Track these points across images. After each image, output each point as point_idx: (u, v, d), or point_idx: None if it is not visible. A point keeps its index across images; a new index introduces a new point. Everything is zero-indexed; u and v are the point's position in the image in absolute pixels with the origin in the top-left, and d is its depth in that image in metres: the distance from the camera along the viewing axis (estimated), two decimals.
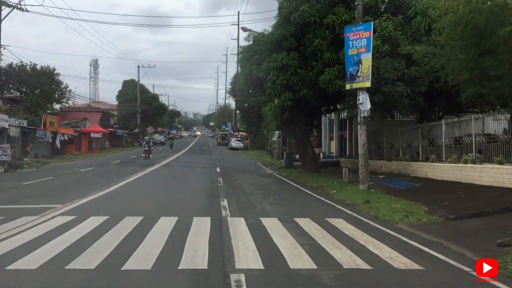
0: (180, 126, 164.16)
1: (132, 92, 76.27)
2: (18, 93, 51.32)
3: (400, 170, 19.01)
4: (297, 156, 30.74)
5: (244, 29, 28.43)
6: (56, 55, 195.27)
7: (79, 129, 47.85)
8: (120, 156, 39.76)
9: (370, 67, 14.96)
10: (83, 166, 27.33)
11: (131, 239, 7.67)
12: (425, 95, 17.49)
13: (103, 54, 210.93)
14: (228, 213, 10.52)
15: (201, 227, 8.76)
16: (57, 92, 56.25)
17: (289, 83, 20.36)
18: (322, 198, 14.07)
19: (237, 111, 76.03)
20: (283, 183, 19.17)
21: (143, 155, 35.44)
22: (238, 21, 72.45)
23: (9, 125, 34.08)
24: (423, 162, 17.61)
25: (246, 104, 57.89)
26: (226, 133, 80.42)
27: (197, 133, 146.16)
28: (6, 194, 14.49)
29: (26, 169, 26.90)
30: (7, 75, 47.55)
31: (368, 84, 15.01)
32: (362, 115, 15.18)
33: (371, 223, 9.78)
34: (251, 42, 22.94)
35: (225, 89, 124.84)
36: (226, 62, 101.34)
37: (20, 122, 36.50)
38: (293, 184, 18.78)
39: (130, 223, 9.08)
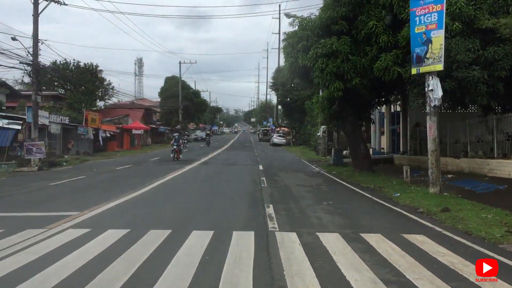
0: (221, 122, 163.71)
1: (173, 88, 75.45)
2: (63, 90, 51.33)
3: (472, 168, 16.24)
4: (345, 152, 28.26)
5: (288, 15, 26.02)
6: (103, 54, 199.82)
7: (121, 125, 47.08)
8: (160, 153, 38.44)
9: (443, 47, 12.36)
10: (121, 164, 25.96)
11: (150, 267, 5.66)
12: (504, 81, 14.67)
13: (147, 54, 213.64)
14: (276, 226, 8.36)
15: (242, 248, 6.63)
16: (100, 90, 56.20)
17: (339, 72, 17.95)
18: (386, 204, 11.65)
19: (279, 106, 73.80)
20: (335, 184, 16.80)
21: (171, 155, 29.33)
22: (280, 13, 70.20)
23: (49, 122, 33.35)
24: (504, 159, 14.79)
25: (288, 99, 55.55)
26: (267, 128, 78.33)
27: (238, 129, 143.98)
28: (27, 197, 12.96)
29: (63, 167, 25.82)
30: (50, 73, 47.51)
31: (440, 67, 12.41)
32: (432, 104, 12.60)
33: (466, 242, 7.32)
34: (296, 27, 20.63)
35: (266, 84, 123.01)
36: (267, 57, 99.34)
37: (61, 119, 35.80)
38: (347, 185, 16.38)
39: (153, 239, 7.10)
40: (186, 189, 14.62)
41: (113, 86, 55.83)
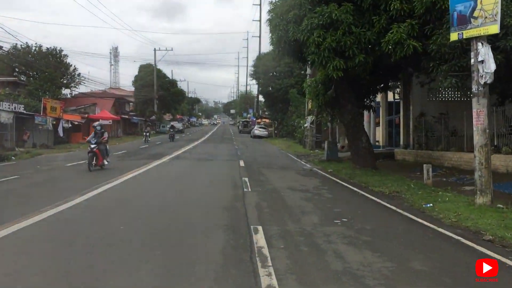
0: (200, 114, 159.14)
1: (148, 77, 70.91)
2: (24, 76, 46.63)
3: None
4: (339, 145, 24.80)
5: None
6: (78, 43, 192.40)
7: (86, 115, 42.63)
8: (129, 146, 34.32)
9: (499, 1, 8.81)
10: (76, 159, 21.90)
11: None
12: None
13: (123, 44, 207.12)
14: (276, 285, 4.66)
15: None
16: (65, 76, 51.55)
17: (339, 47, 14.35)
18: (424, 222, 8.01)
19: (260, 96, 70.08)
20: (337, 187, 13.16)
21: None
22: None
23: None
24: None
25: (270, 88, 51.92)
26: (248, 120, 74.60)
27: (217, 121, 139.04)
28: None
29: (10, 162, 21.69)
30: (7, 56, 42.77)
31: (495, 28, 8.82)
32: (483, 81, 9.03)
33: None
34: None
35: (246, 73, 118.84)
36: (247, 47, 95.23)
37: (15, 107, 31.29)
38: (353, 188, 12.77)
39: None
40: (135, 200, 10.59)
41: (79, 73, 51.47)
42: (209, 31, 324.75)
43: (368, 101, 19.31)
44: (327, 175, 15.94)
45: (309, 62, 16.55)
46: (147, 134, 41.47)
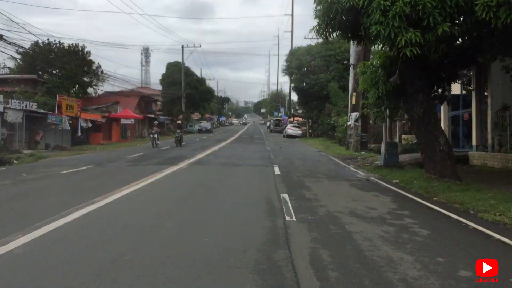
0: (230, 113, 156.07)
1: (176, 75, 67.86)
2: (46, 74, 44.05)
3: None
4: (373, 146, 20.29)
5: None
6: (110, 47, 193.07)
7: (107, 114, 39.47)
8: (148, 148, 30.70)
9: None
10: (84, 163, 18.36)
11: None
12: None
13: (153, 46, 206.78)
14: None
15: None
16: (88, 74, 48.82)
17: (415, 13, 10.13)
18: None
19: (293, 94, 65.81)
20: (424, 213, 8.63)
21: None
22: None
23: (4, 108, 25.87)
24: None
25: (304, 84, 47.54)
26: (279, 119, 70.44)
27: (247, 120, 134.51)
28: None
29: (12, 166, 18.60)
30: (30, 54, 40.16)
31: None
32: None
33: None
34: None
35: (278, 71, 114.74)
36: (278, 44, 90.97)
37: (26, 105, 28.20)
38: (449, 214, 8.29)
39: None
40: (126, 230, 6.78)
41: (102, 70, 48.63)
42: (237, 31, 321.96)
43: (440, 91, 14.78)
44: (396, 189, 11.59)
45: (368, 38, 12.25)
46: (156, 136, 31.25)
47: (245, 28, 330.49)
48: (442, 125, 22.52)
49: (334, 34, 13.01)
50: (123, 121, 38.88)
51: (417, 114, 12.89)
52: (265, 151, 26.55)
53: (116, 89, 53.92)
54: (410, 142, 23.51)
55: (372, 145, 27.09)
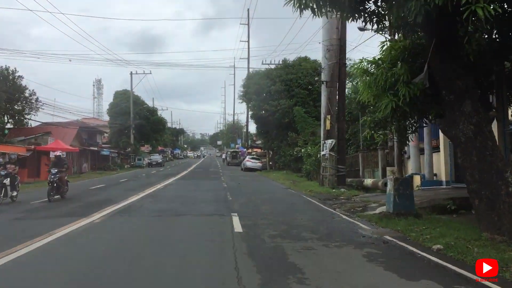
0: (186, 146, 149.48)
1: (125, 104, 61.47)
2: None
3: None
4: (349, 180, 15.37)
5: None
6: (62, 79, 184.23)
7: (33, 147, 32.66)
8: (81, 186, 24.38)
9: None
10: None
11: None
12: None
13: (107, 77, 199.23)
14: None
15: None
16: (19, 102, 42.14)
17: None
18: None
19: (251, 124, 60.95)
20: None
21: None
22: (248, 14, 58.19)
23: None
24: None
25: (263, 111, 42.66)
26: (237, 150, 65.17)
27: (203, 153, 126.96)
28: None
29: None
30: None
31: None
32: None
33: None
34: None
35: (234, 99, 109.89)
36: (234, 73, 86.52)
37: None
38: None
39: None
40: None
41: (37, 98, 42.08)
42: (190, 64, 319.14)
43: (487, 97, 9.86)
44: (451, 266, 6.32)
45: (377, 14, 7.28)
46: (5, 182, 15.68)
47: (198, 61, 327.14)
48: (441, 153, 18.01)
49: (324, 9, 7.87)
50: (52, 154, 32.13)
51: (465, 135, 7.84)
52: (221, 189, 20.99)
53: (60, 119, 47.31)
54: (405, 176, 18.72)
55: (349, 179, 22.18)
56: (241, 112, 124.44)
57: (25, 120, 43.18)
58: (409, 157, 20.37)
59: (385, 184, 15.59)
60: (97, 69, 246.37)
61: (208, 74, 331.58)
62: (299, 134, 37.07)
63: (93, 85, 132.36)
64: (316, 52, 73.71)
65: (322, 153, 21.43)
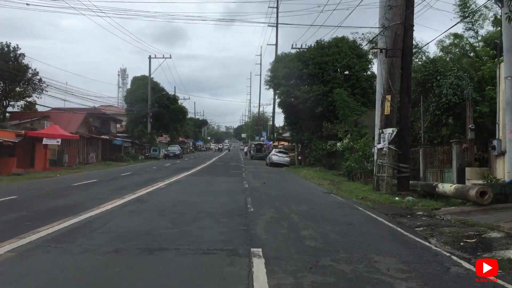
0: (209, 138, 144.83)
1: (142, 90, 56.72)
2: None
3: None
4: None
5: None
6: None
7: (22, 132, 27.85)
8: (73, 179, 19.37)
9: None
10: None
11: None
12: None
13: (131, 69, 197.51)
14: None
15: None
16: (21, 83, 37.65)
17: None
18: None
19: (278, 115, 55.37)
20: None
21: None
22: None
23: None
24: None
25: (293, 99, 36.93)
26: (261, 143, 59.58)
27: (226, 145, 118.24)
28: None
29: None
30: None
31: None
32: None
33: None
34: None
35: (260, 89, 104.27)
36: (260, 63, 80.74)
37: None
38: None
39: None
40: None
41: (40, 78, 37.40)
42: (213, 57, 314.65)
43: None
44: None
45: None
46: None
47: (221, 53, 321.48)
48: None
49: None
50: (45, 141, 27.36)
51: None
52: (239, 192, 15.50)
53: (74, 106, 42.73)
54: (501, 182, 12.88)
55: (410, 183, 16.26)
56: (267, 104, 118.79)
57: (28, 104, 38.87)
58: (500, 154, 14.44)
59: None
60: (124, 59, 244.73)
61: (234, 68, 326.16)
62: (334, 125, 31.27)
63: (118, 75, 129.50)
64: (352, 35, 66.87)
65: (378, 146, 15.60)
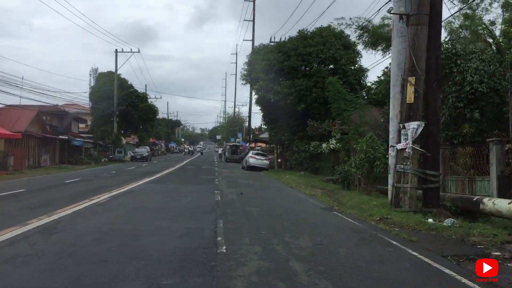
0: (183, 139, 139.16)
1: (108, 88, 51.29)
2: None
3: None
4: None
5: None
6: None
7: None
8: None
9: None
10: None
11: None
12: None
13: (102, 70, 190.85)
14: None
15: None
16: None
17: None
18: None
19: (255, 113, 50.97)
20: None
21: None
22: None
23: None
24: None
25: (272, 95, 32.52)
26: (237, 144, 55.03)
27: (199, 147, 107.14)
28: None
29: None
30: None
31: None
32: None
33: None
34: None
35: (235, 89, 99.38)
36: (236, 62, 76.14)
37: None
38: None
39: None
40: None
41: None
42: (185, 57, 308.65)
43: None
44: None
45: None
46: None
47: (194, 54, 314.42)
48: None
49: None
50: None
51: None
52: (208, 210, 10.94)
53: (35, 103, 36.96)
54: None
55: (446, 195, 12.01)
56: (242, 104, 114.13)
57: None
58: None
59: None
60: (96, 59, 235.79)
61: (209, 69, 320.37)
62: (320, 123, 27.11)
63: (90, 74, 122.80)
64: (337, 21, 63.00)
65: (399, 146, 11.26)
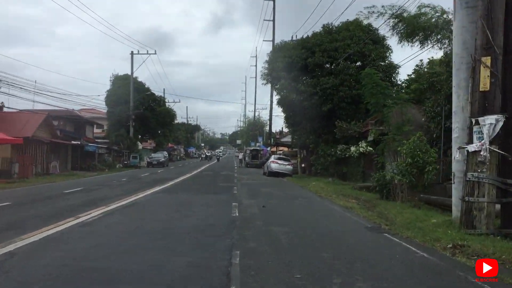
0: (203, 144, 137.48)
1: (124, 91, 49.65)
2: None
3: None
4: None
5: None
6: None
7: None
8: None
9: None
10: None
11: None
12: None
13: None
14: None
15: None
16: None
17: None
18: None
19: (277, 115, 48.50)
20: None
21: None
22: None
23: None
24: None
25: (295, 95, 29.94)
26: (258, 148, 52.58)
27: (218, 152, 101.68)
28: None
29: None
30: None
31: None
32: None
33: None
34: None
35: (255, 93, 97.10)
36: (256, 64, 73.66)
37: None
38: None
39: None
40: None
41: None
42: (203, 63, 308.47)
43: None
44: None
45: None
46: None
47: (211, 59, 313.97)
48: None
49: None
50: None
51: None
52: (221, 234, 8.43)
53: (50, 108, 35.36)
54: None
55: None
56: (263, 107, 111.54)
57: None
58: None
59: None
60: (117, 65, 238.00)
61: (227, 74, 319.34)
62: (350, 124, 24.48)
63: (110, 80, 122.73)
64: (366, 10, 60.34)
65: (471, 148, 8.56)
